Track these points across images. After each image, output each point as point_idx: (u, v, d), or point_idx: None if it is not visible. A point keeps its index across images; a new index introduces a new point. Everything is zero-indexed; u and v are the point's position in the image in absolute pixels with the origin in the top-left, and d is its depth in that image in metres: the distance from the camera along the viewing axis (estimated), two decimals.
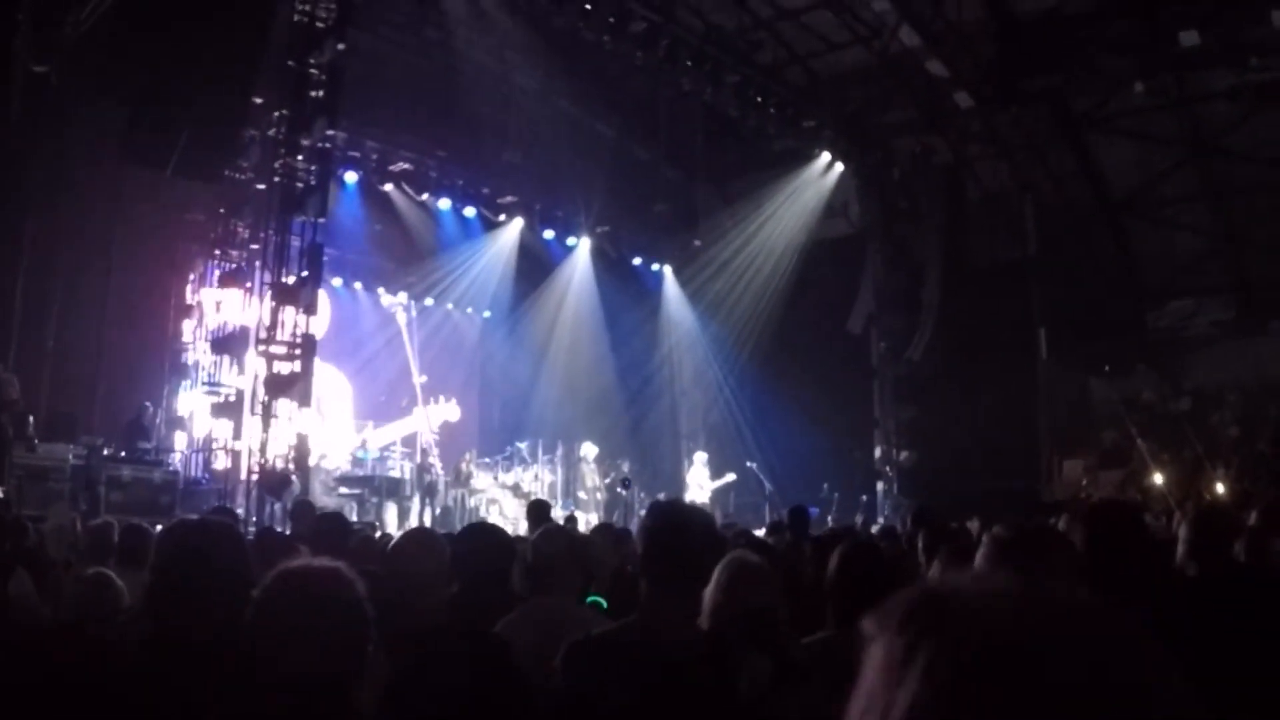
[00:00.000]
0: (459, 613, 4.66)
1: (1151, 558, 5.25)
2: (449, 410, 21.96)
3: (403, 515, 20.21)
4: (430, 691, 3.83)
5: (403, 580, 4.79)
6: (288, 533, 10.82)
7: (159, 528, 6.96)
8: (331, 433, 21.56)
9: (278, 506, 16.28)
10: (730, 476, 23.79)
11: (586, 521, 18.99)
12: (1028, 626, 1.08)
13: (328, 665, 2.68)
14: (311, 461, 17.99)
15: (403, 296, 24.89)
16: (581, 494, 23.85)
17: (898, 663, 1.10)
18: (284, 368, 16.97)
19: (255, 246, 19.76)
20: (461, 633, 4.43)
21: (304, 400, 17.14)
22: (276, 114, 18.22)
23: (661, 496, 23.62)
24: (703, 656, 3.67)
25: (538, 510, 12.30)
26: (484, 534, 5.46)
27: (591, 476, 24.02)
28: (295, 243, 17.74)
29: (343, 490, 20.38)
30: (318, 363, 20.25)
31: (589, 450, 24.13)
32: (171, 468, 18.51)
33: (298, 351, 17.12)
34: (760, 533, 12.90)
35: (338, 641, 2.71)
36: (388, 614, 4.57)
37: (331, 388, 23.43)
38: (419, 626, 4.42)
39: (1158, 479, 21.00)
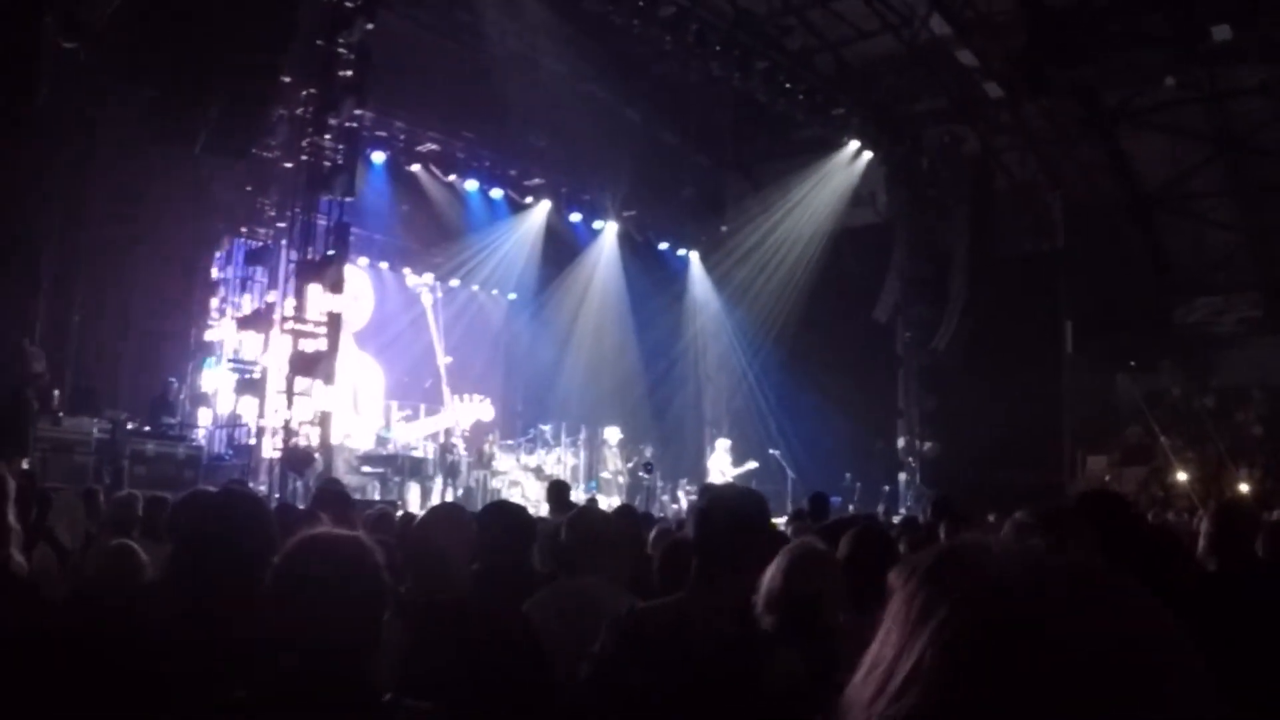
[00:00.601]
0: (480, 589, 4.68)
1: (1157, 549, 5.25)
2: (483, 409, 21.97)
3: (425, 495, 20.23)
4: (450, 664, 3.84)
5: (430, 554, 4.80)
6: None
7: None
8: (365, 421, 21.63)
9: (300, 484, 16.34)
10: (752, 464, 23.72)
11: (608, 505, 19.01)
12: (1044, 596, 1.08)
13: (344, 631, 2.70)
14: (335, 440, 18.05)
15: (429, 277, 24.94)
16: (605, 475, 23.89)
17: (913, 618, 1.11)
18: (309, 346, 17.01)
19: (282, 225, 19.76)
20: (483, 608, 4.44)
21: (329, 378, 17.17)
22: (305, 93, 18.27)
23: (684, 481, 23.72)
24: (734, 644, 3.67)
25: (558, 491, 12.32)
26: (505, 513, 5.48)
27: (614, 460, 24.04)
28: (322, 222, 17.81)
29: (366, 469, 20.41)
30: (354, 351, 20.28)
31: (612, 435, 24.14)
32: (195, 443, 18.58)
33: (323, 330, 17.16)
34: (781, 521, 12.88)
35: (354, 607, 2.72)
36: (415, 587, 4.60)
37: (368, 376, 23.53)
38: (443, 600, 4.44)
39: (1181, 476, 20.94)
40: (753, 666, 3.61)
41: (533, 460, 23.16)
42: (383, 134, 22.07)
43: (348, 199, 17.81)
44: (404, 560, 5.22)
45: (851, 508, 21.06)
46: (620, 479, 23.80)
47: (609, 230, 27.05)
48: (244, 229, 21.22)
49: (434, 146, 23.29)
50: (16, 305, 16.12)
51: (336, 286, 17.42)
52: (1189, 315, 24.69)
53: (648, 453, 24.11)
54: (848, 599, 4.22)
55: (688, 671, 3.56)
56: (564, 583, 5.26)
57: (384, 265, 25.36)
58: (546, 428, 24.21)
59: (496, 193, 25.01)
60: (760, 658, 3.65)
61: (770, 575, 4.10)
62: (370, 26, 17.38)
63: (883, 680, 1.09)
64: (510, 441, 23.78)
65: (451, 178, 24.01)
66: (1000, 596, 1.08)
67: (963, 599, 1.09)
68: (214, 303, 21.17)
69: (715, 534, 3.92)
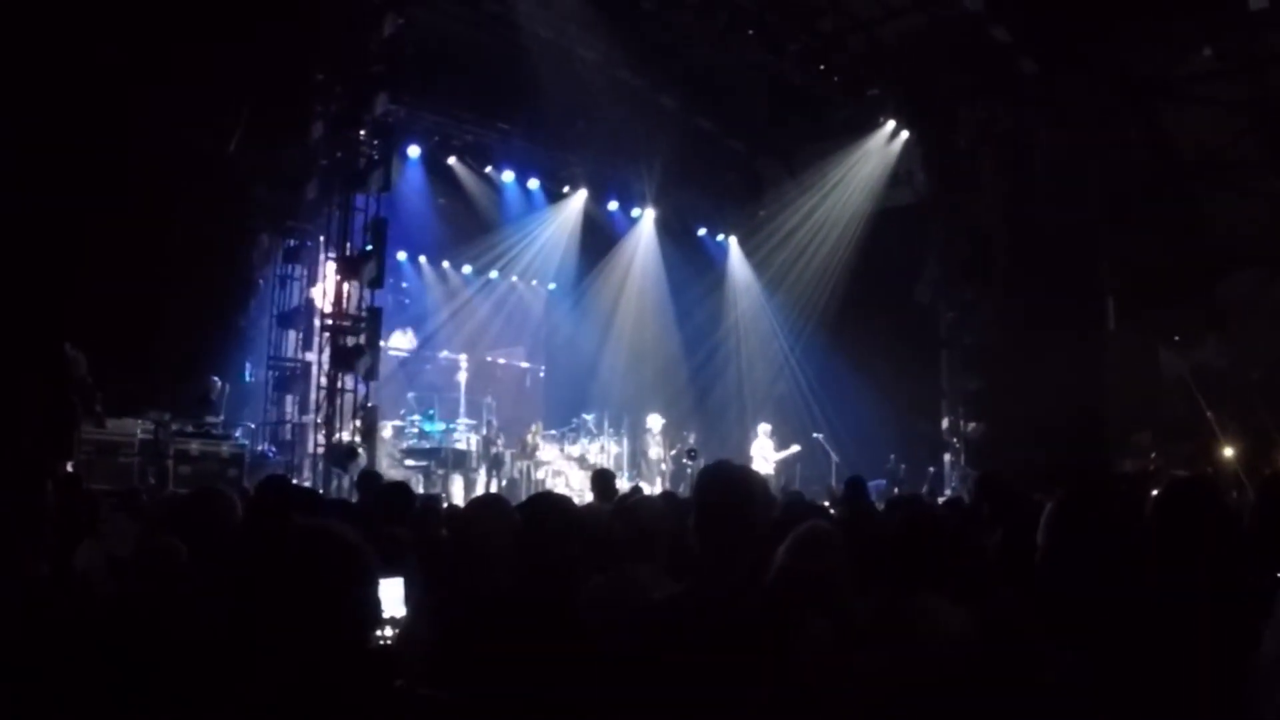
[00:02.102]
0: (525, 581, 4.67)
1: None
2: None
3: (469, 487, 20.31)
4: (488, 656, 3.84)
5: (472, 546, 4.80)
6: (354, 502, 10.98)
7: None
8: None
9: (345, 479, 16.40)
10: (795, 448, 23.67)
11: (650, 492, 19.04)
12: None
13: (341, 616, 2.74)
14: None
15: (467, 269, 25.00)
16: (652, 458, 23.92)
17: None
18: (349, 341, 17.08)
19: (319, 221, 19.82)
20: (527, 600, 4.43)
21: (370, 374, 17.25)
22: (338, 90, 18.29)
23: None
24: (758, 616, 3.66)
25: (602, 480, 12.32)
26: (550, 504, 5.48)
27: (657, 448, 24.05)
28: (359, 217, 17.86)
29: (409, 462, 20.51)
30: None
31: (655, 422, 24.15)
32: (239, 441, 18.64)
33: (363, 325, 17.23)
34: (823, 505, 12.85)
35: (349, 592, 2.79)
36: (458, 579, 4.60)
37: None
38: (485, 592, 4.45)
39: (1228, 451, 20.75)
40: (783, 634, 3.59)
41: (576, 450, 23.22)
42: (417, 128, 22.10)
43: (384, 194, 17.88)
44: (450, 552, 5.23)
45: (897, 490, 21.02)
46: (662, 466, 23.83)
47: (647, 217, 27.04)
48: (281, 226, 21.26)
49: (469, 139, 23.33)
50: (57, 309, 16.20)
51: (375, 282, 17.49)
52: (1232, 288, 24.41)
53: (691, 439, 24.12)
54: (887, 578, 4.22)
55: (716, 646, 3.55)
56: (616, 572, 5.26)
57: (423, 259, 25.42)
58: (589, 417, 24.25)
59: (533, 183, 25.04)
60: (790, 626, 3.64)
61: (779, 555, 4.11)
62: (401, 21, 17.42)
63: None
64: (553, 431, 23.80)
65: (488, 169, 24.06)
66: None
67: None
68: (253, 301, 21.23)
69: (713, 510, 3.92)
